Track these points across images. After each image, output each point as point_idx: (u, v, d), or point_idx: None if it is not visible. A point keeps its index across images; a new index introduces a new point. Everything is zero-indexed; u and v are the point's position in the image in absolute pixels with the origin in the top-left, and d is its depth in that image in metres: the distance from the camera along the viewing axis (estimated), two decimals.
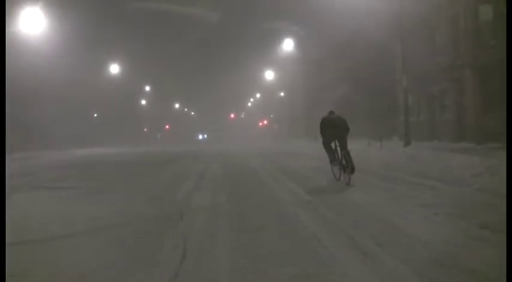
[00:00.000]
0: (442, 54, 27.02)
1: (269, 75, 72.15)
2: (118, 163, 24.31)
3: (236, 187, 12.10)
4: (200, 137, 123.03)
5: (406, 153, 18.49)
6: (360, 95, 36.72)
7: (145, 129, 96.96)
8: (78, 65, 51.36)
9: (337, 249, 5.59)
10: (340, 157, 12.27)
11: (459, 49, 25.19)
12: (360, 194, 9.74)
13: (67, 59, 46.80)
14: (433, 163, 14.09)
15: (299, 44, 53.72)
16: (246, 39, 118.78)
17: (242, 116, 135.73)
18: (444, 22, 27.05)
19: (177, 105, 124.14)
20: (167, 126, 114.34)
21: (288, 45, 54.61)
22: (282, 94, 73.58)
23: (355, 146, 25.57)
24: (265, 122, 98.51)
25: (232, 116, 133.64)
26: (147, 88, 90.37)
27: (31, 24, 33.01)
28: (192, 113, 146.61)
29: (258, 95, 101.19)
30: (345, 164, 11.86)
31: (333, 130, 12.47)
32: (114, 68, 63.20)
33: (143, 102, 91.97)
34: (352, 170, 11.53)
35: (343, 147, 12.22)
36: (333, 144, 12.60)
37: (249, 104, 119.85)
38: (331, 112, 13.02)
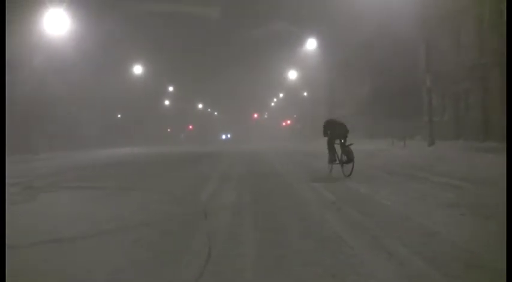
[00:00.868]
0: (466, 53, 26.76)
1: (292, 75, 72.02)
2: (143, 163, 24.50)
3: (259, 187, 12.10)
4: (224, 137, 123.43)
5: (430, 152, 18.38)
6: (383, 95, 36.52)
7: (168, 130, 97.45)
8: (101, 67, 51.85)
9: (362, 249, 5.56)
10: (340, 155, 14.08)
11: (484, 48, 24.91)
12: (385, 194, 9.68)
13: (90, 60, 47.29)
14: (458, 162, 13.99)
15: (323, 43, 53.55)
16: (269, 39, 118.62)
17: (265, 116, 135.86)
18: (469, 21, 26.75)
19: (200, 106, 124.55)
20: (190, 127, 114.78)
21: (311, 44, 54.45)
22: (305, 94, 73.36)
23: (378, 146, 25.65)
24: (289, 122, 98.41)
25: (255, 116, 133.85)
26: (170, 88, 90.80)
27: (56, 26, 33.47)
28: (216, 113, 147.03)
29: (281, 95, 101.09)
30: (345, 160, 13.70)
31: (338, 129, 14.49)
32: (137, 69, 63.66)
33: (166, 102, 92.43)
34: (352, 160, 13.43)
35: (344, 144, 14.11)
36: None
37: (272, 104, 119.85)
38: (329, 121, 14.98)
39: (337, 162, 14.16)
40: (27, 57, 35.58)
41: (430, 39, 24.39)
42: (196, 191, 11.25)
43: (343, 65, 51.43)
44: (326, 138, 14.91)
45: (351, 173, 13.24)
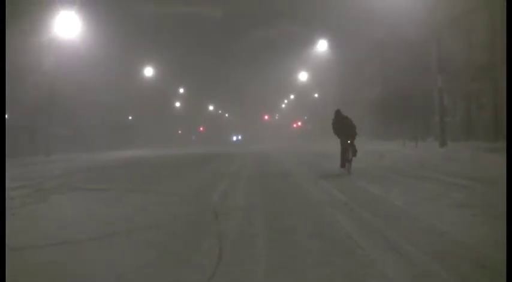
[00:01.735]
0: (478, 53, 26.60)
1: (303, 76, 71.95)
2: (153, 165, 24.57)
3: (270, 187, 12.09)
4: (234, 138, 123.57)
5: (441, 153, 18.28)
6: (394, 95, 36.35)
7: (179, 132, 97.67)
8: (111, 69, 52.02)
9: (372, 250, 5.55)
10: (347, 153, 14.98)
11: (495, 48, 24.75)
12: (396, 194, 9.64)
13: (101, 62, 47.49)
14: (469, 163, 13.90)
15: (333, 44, 53.47)
16: (281, 40, 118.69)
17: (276, 117, 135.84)
18: (480, 20, 26.60)
19: (211, 108, 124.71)
20: (201, 128, 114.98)
21: (322, 46, 54.40)
22: (316, 95, 73.22)
23: (390, 147, 25.56)
24: (299, 123, 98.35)
25: (266, 117, 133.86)
26: (181, 90, 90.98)
27: (66, 28, 33.71)
28: (227, 115, 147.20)
29: (291, 97, 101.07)
30: (350, 158, 14.86)
31: (346, 131, 15.27)
32: (148, 71, 63.90)
33: (177, 104, 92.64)
34: (354, 154, 14.95)
35: (352, 144, 15.04)
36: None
37: (283, 106, 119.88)
38: (338, 111, 15.83)
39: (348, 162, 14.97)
40: (38, 59, 35.83)
41: (441, 39, 24.26)
42: (206, 192, 11.28)
43: (353, 66, 51.33)
44: (338, 140, 15.60)
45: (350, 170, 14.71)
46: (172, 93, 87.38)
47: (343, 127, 15.43)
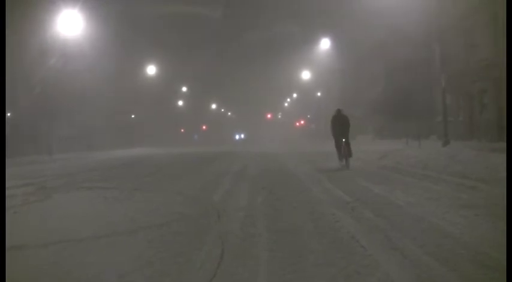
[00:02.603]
0: (481, 53, 26.58)
1: (306, 75, 71.93)
2: (156, 163, 24.55)
3: (273, 186, 12.07)
4: (237, 137, 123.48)
5: (445, 152, 18.18)
6: (397, 95, 36.34)
7: (182, 130, 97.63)
8: (115, 67, 52.05)
9: (375, 250, 5.54)
10: (342, 150, 16.71)
11: (498, 47, 24.73)
12: (399, 195, 9.63)
13: (103, 61, 47.52)
14: (473, 163, 13.84)
15: (336, 43, 53.41)
16: (284, 39, 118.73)
17: (279, 116, 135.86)
18: (483, 20, 26.56)
19: (213, 106, 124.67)
20: (204, 127, 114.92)
21: (324, 44, 54.38)
22: (319, 94, 73.11)
23: (392, 146, 25.50)
24: (302, 122, 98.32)
25: (269, 116, 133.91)
26: (184, 89, 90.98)
27: (69, 27, 33.77)
28: (229, 114, 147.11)
29: (294, 95, 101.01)
30: (346, 153, 16.41)
31: (340, 129, 17.00)
32: (151, 69, 63.95)
33: (180, 103, 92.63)
34: (350, 155, 16.45)
35: (347, 142, 16.68)
36: None
37: (286, 104, 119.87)
38: (338, 111, 17.70)
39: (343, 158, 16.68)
40: (42, 59, 35.91)
41: (444, 39, 24.26)
42: (209, 192, 11.30)
43: (356, 65, 51.28)
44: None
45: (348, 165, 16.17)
46: (175, 92, 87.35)
47: (340, 126, 17.15)
